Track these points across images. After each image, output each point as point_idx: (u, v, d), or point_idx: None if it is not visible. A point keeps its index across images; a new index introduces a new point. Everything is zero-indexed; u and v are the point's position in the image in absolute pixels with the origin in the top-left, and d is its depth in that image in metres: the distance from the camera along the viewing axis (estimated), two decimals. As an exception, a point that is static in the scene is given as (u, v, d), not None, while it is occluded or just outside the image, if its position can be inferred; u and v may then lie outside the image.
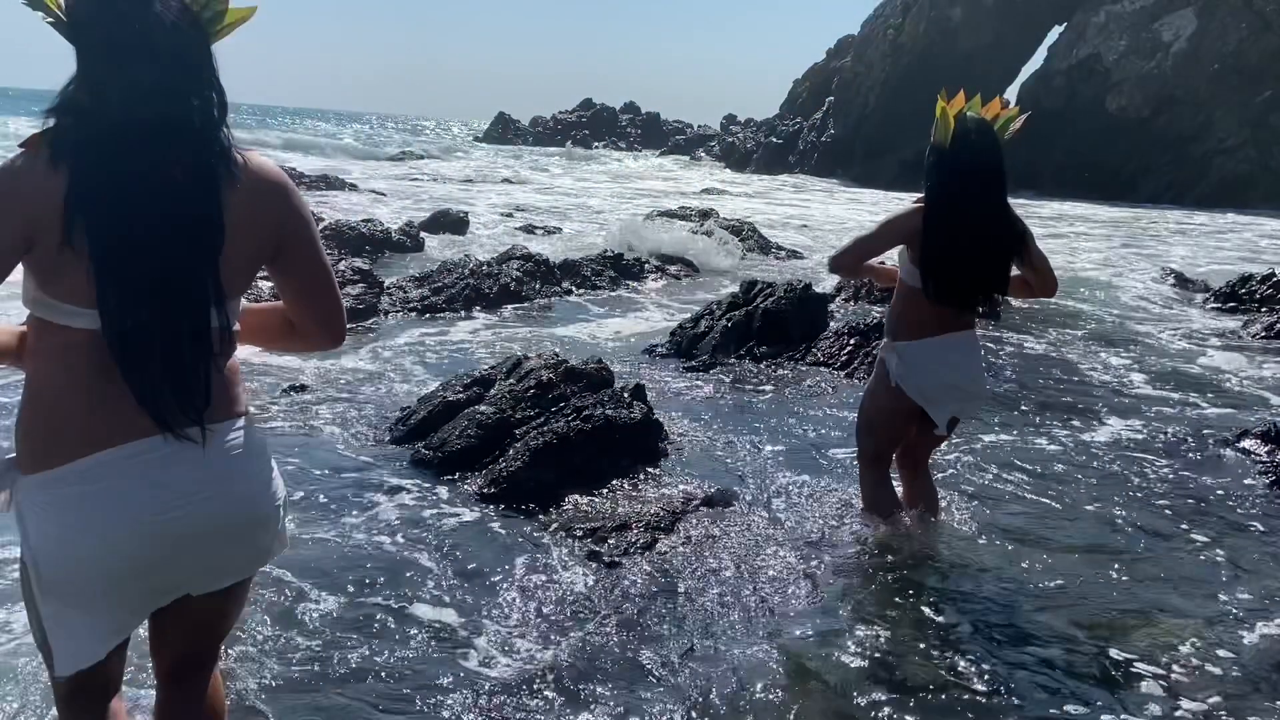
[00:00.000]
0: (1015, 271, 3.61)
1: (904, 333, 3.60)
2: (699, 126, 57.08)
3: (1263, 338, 8.28)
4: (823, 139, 38.14)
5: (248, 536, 1.81)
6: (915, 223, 3.46)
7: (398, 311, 7.89)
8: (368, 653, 2.83)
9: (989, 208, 3.47)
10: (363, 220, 11.71)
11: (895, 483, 4.03)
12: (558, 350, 5.68)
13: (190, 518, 1.70)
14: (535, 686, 2.70)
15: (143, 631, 2.01)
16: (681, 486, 4.20)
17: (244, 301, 1.91)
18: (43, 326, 1.70)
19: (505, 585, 3.30)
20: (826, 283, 9.35)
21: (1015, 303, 9.24)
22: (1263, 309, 9.39)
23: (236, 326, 1.85)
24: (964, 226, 3.42)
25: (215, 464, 1.74)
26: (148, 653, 2.03)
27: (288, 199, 1.82)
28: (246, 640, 2.83)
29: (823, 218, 20.25)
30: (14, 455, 1.73)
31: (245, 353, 1.95)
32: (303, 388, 5.48)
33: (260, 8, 1.82)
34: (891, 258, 3.76)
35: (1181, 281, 11.65)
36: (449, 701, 2.61)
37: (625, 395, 4.59)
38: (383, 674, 2.73)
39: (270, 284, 1.90)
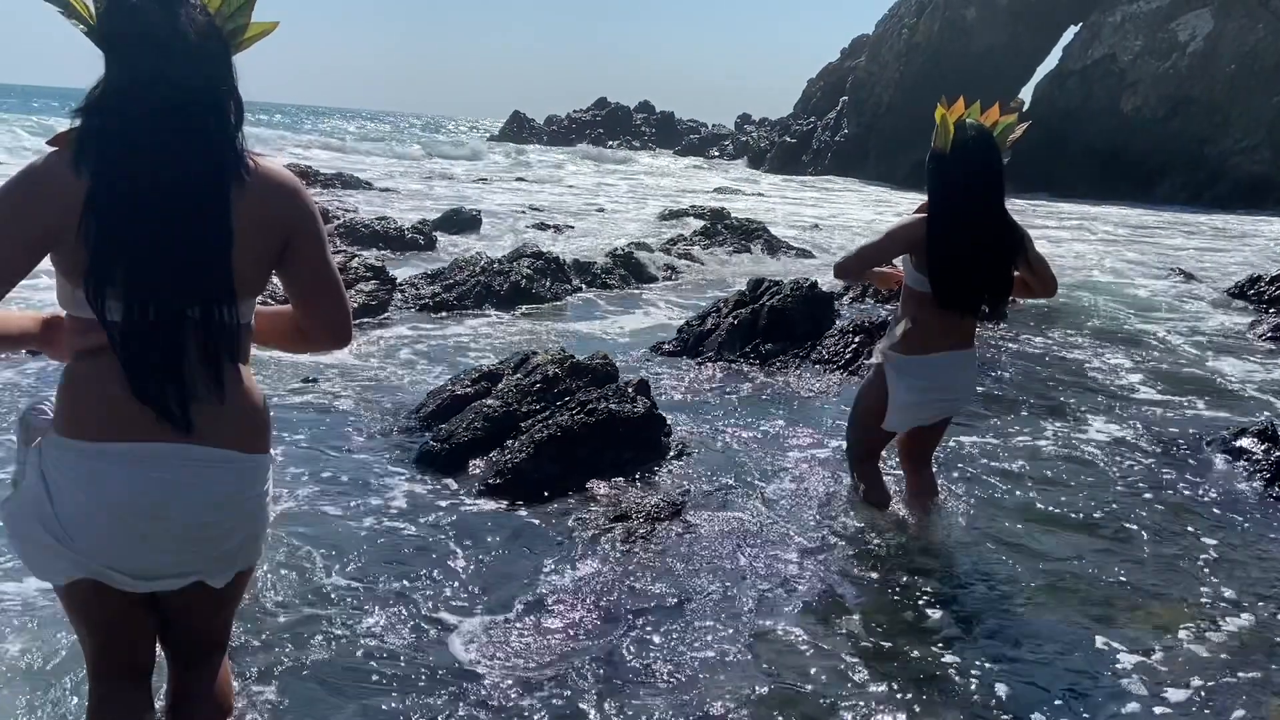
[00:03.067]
0: (1015, 273, 3.70)
1: (904, 344, 3.67)
2: (713, 126, 57.10)
3: (1269, 338, 8.30)
4: (836, 138, 38.12)
5: (222, 553, 1.92)
6: (920, 232, 3.55)
7: (410, 308, 8.01)
8: (371, 637, 2.92)
9: (990, 213, 3.55)
10: (376, 218, 11.85)
11: (895, 477, 4.12)
12: (564, 346, 5.78)
13: (179, 529, 1.83)
14: (530, 673, 2.78)
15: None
16: (682, 479, 4.29)
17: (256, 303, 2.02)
18: (79, 324, 1.81)
19: (505, 573, 3.39)
20: (833, 280, 9.41)
21: (1021, 302, 9.29)
22: (1270, 310, 9.40)
23: (252, 323, 1.96)
24: (966, 232, 3.51)
25: (222, 493, 1.85)
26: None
27: (297, 203, 1.90)
28: (253, 623, 2.94)
29: (834, 217, 20.29)
30: (49, 417, 1.86)
31: (257, 349, 2.06)
32: (315, 380, 5.61)
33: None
34: (895, 261, 3.85)
35: (1190, 281, 11.67)
36: (445, 686, 2.70)
37: (629, 390, 4.68)
38: (384, 657, 2.82)
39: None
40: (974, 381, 3.83)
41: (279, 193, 1.88)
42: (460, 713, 2.57)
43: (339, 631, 2.93)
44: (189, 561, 1.87)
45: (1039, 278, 3.67)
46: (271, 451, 1.99)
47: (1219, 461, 4.88)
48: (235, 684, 2.35)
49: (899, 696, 2.74)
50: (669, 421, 4.83)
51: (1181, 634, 3.15)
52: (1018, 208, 22.49)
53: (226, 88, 1.81)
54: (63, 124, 1.82)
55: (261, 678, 2.67)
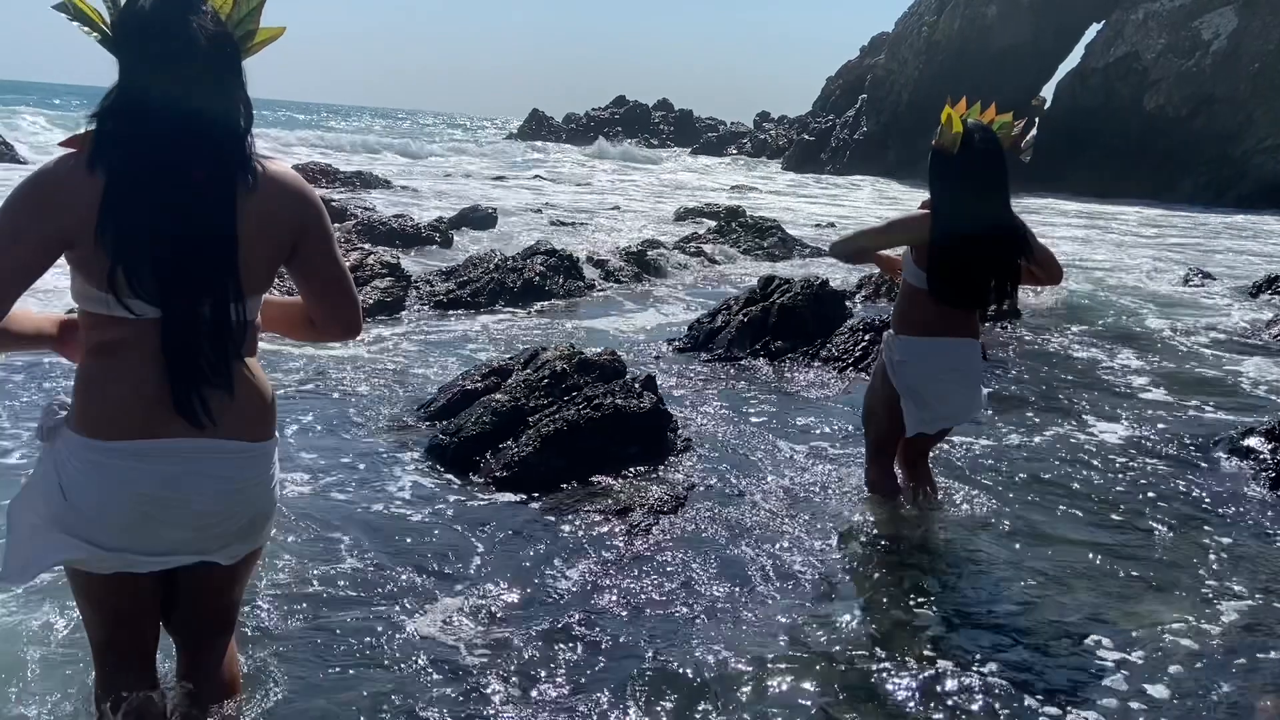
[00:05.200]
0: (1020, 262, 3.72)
1: (908, 330, 3.71)
2: (731, 123, 57.05)
3: (1284, 338, 8.25)
4: (855, 136, 37.99)
5: (231, 532, 1.99)
6: (923, 228, 3.56)
7: (424, 304, 8.09)
8: (375, 624, 2.97)
9: (994, 211, 3.56)
10: (393, 216, 11.94)
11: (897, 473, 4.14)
12: (575, 343, 5.83)
13: (192, 516, 1.90)
14: (531, 663, 2.83)
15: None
16: (687, 474, 4.34)
17: (270, 294, 2.09)
18: (92, 319, 1.86)
19: (510, 564, 3.44)
20: (843, 274, 9.43)
21: (1035, 298, 9.27)
22: (1287, 310, 9.34)
23: (258, 320, 2.02)
24: (970, 230, 3.52)
25: (233, 480, 1.93)
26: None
27: (305, 205, 1.97)
28: (259, 608, 3.00)
29: (853, 216, 20.25)
30: (65, 414, 1.91)
31: (272, 340, 2.12)
32: (328, 374, 5.69)
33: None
34: (897, 250, 3.88)
35: (1209, 281, 11.60)
36: (446, 674, 2.75)
37: (636, 385, 4.73)
38: (387, 643, 2.86)
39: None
40: (978, 383, 3.85)
41: (286, 194, 1.94)
42: (459, 699, 2.61)
43: (344, 617, 2.99)
44: (200, 541, 1.94)
45: (1044, 267, 3.69)
46: (276, 436, 2.05)
47: (1227, 460, 4.87)
48: (241, 661, 2.41)
49: (900, 691, 2.76)
50: (676, 417, 4.88)
51: (1184, 631, 3.15)
52: (1038, 206, 22.49)
53: (237, 93, 1.87)
54: (82, 120, 1.88)
55: (265, 659, 2.72)
